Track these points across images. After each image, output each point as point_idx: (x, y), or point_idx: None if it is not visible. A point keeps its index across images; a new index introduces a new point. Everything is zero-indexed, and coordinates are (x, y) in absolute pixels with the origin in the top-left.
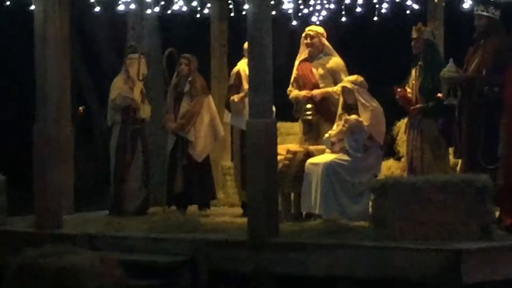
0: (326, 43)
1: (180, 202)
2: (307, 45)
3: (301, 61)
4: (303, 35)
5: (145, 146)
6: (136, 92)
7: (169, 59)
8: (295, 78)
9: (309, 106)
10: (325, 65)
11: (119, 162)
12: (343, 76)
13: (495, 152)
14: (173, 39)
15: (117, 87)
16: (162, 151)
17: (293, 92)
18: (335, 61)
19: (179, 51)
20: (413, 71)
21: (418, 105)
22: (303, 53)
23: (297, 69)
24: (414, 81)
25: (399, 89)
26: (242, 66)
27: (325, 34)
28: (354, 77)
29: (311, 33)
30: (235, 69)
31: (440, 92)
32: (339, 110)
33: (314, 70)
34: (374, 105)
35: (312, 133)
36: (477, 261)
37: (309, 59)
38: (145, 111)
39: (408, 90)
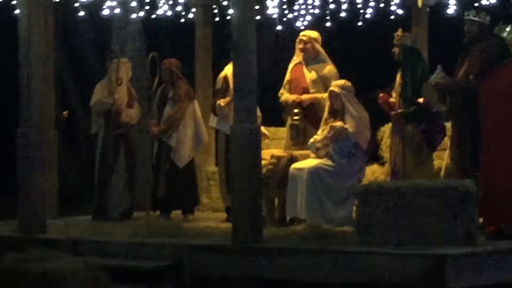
0: (320, 49)
1: (163, 207)
2: (301, 50)
3: (295, 65)
4: (297, 40)
5: (129, 151)
6: (121, 97)
7: (152, 63)
8: (287, 81)
9: (296, 110)
10: (319, 71)
11: (102, 167)
12: None
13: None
14: (157, 43)
15: (98, 92)
16: (148, 155)
17: (284, 96)
18: (329, 68)
19: (164, 56)
20: (398, 76)
21: (399, 110)
22: (298, 57)
23: (290, 72)
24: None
25: (381, 94)
26: (230, 70)
27: (319, 39)
28: (341, 82)
29: (304, 38)
30: (222, 73)
31: (421, 98)
32: (325, 115)
33: (306, 74)
34: (360, 111)
35: (299, 138)
36: (461, 266)
37: (303, 63)
38: (130, 115)
39: (394, 95)
